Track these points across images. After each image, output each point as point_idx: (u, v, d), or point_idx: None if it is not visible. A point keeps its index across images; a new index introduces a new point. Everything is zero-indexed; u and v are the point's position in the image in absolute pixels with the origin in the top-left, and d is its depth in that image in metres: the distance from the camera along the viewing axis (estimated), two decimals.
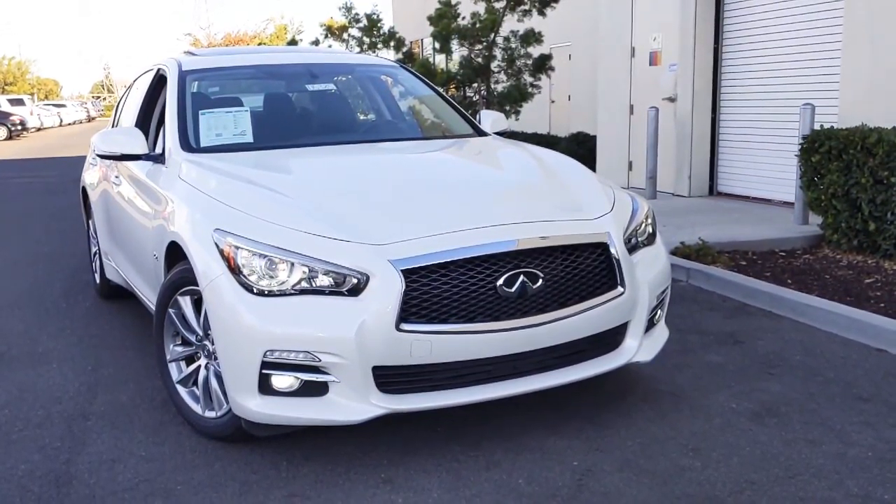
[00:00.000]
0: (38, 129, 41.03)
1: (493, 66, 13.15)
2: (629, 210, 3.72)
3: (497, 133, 4.99)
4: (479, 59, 13.08)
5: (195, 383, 3.58)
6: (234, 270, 3.14)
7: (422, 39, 20.48)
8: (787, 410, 3.67)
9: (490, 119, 5.05)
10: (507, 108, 12.74)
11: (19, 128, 35.37)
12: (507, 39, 12.98)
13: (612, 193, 3.80)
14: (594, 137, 11.86)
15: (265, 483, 3.13)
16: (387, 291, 3.02)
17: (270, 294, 3.09)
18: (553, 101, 17.56)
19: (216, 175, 3.82)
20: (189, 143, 4.23)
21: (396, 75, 5.51)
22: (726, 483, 3.03)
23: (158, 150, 4.43)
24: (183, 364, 3.65)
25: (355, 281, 3.06)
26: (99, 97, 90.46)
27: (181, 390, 3.64)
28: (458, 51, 13.72)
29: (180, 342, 3.64)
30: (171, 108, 4.44)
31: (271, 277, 3.10)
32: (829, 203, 6.47)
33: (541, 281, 3.19)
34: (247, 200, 3.44)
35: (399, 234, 3.17)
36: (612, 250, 3.40)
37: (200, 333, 3.49)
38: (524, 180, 4.01)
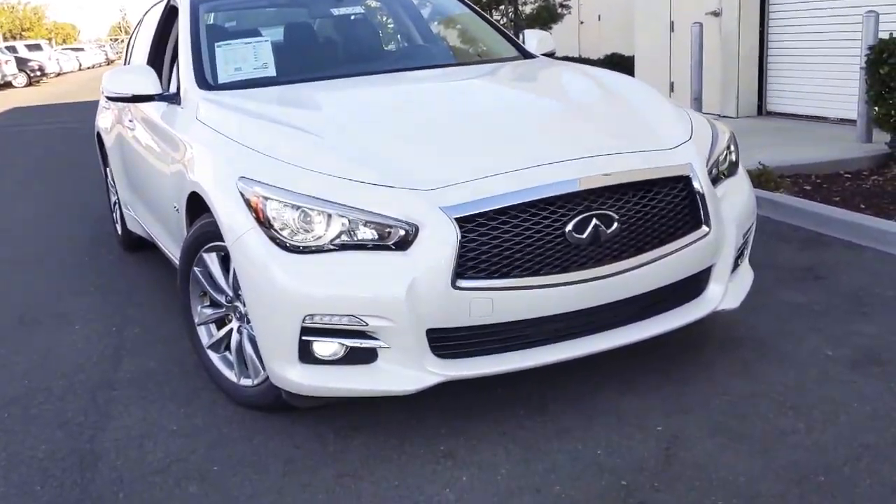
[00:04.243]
0: (58, 75, 40.64)
1: None
2: (709, 136, 3.26)
3: (545, 55, 4.50)
4: None
5: (228, 348, 3.23)
6: (264, 224, 2.74)
7: None
8: (891, 356, 3.25)
9: (536, 38, 4.55)
10: (536, 30, 12.15)
11: (38, 74, 35.06)
12: None
13: (687, 118, 3.33)
14: (630, 58, 11.24)
15: (311, 460, 2.80)
16: (440, 244, 2.62)
17: (307, 251, 2.69)
18: (582, 23, 16.83)
19: (238, 115, 3.41)
20: (206, 80, 3.81)
21: None
22: (838, 448, 2.63)
23: (173, 89, 4.03)
24: (213, 327, 3.30)
25: (402, 233, 2.65)
26: (116, 39, 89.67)
27: (213, 356, 3.29)
28: None
29: (208, 303, 3.29)
30: (185, 42, 4.00)
31: (306, 231, 2.70)
32: None
33: (616, 224, 2.76)
34: (274, 143, 3.03)
35: (449, 176, 2.74)
36: (696, 184, 2.95)
37: (230, 294, 3.12)
38: (587, 108, 3.55)
